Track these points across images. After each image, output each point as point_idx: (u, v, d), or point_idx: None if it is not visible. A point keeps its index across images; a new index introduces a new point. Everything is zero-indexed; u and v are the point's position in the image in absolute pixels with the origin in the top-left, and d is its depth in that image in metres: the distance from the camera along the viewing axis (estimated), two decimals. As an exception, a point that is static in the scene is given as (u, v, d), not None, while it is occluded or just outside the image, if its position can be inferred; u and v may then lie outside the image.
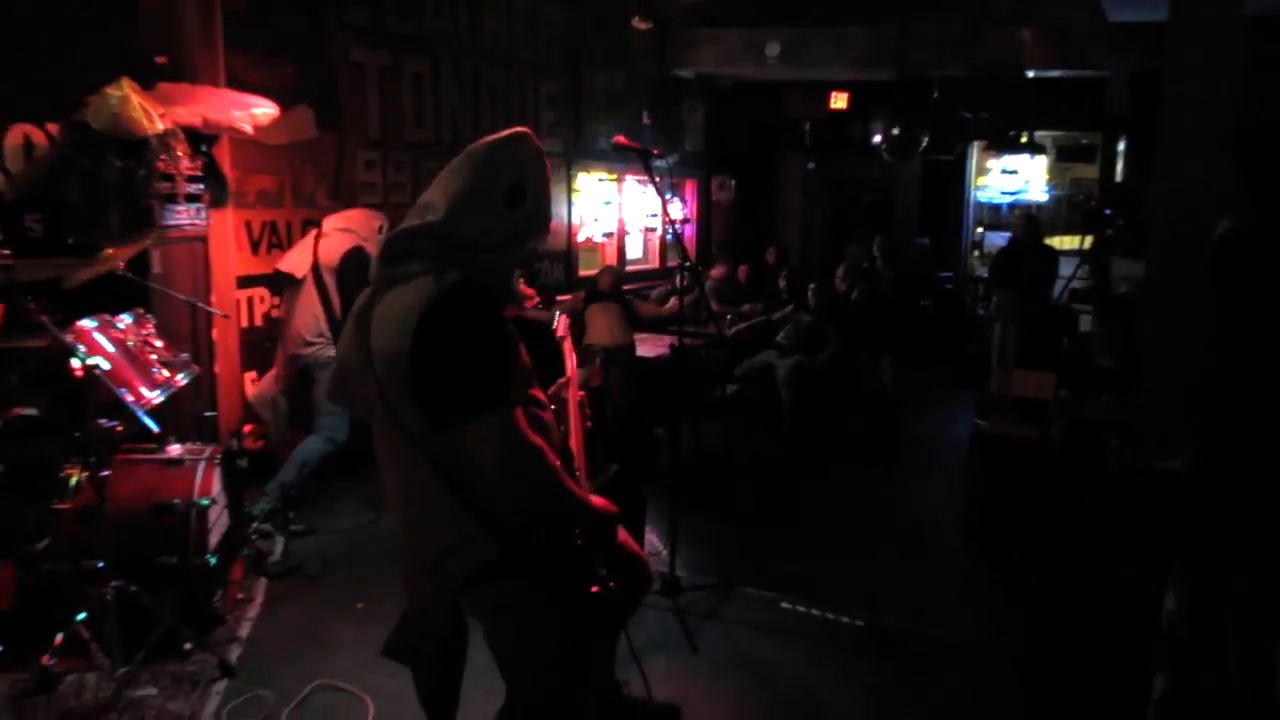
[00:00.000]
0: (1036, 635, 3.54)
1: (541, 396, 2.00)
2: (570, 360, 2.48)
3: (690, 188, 9.64)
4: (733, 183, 9.89)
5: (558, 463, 1.86)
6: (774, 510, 5.09)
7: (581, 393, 2.39)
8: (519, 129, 1.98)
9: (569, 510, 1.88)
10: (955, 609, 3.79)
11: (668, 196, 8.83)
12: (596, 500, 1.97)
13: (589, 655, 2.07)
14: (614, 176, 8.36)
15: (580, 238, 7.57)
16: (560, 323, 2.66)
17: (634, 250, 8.92)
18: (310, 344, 4.52)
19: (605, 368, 5.36)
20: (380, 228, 4.75)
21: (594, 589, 1.94)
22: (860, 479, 5.67)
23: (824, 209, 10.79)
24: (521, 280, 2.11)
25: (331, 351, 4.38)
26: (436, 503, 1.88)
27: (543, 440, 1.83)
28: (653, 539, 4.30)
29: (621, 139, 3.48)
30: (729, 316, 7.02)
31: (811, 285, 6.98)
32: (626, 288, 5.80)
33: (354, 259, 4.51)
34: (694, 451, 5.80)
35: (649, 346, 5.98)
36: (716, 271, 7.88)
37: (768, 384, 6.61)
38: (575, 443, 2.20)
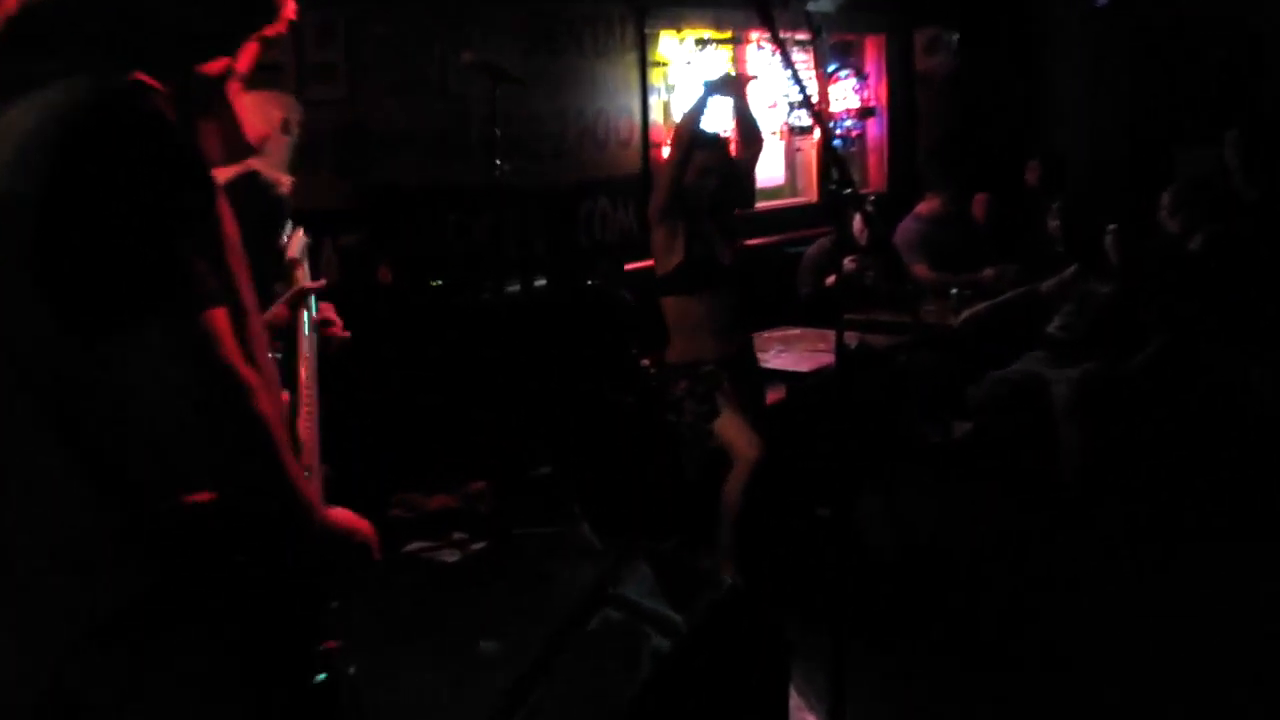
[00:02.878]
0: None
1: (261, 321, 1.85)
2: (302, 272, 2.58)
3: (872, 51, 8.38)
4: (954, 39, 8.69)
5: (278, 422, 1.73)
6: (1037, 642, 4.56)
7: (333, 310, 2.49)
8: None
9: (290, 508, 1.68)
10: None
11: (833, 69, 7.63)
12: (336, 513, 1.82)
13: None
14: (725, 36, 7.00)
15: (666, 150, 6.56)
16: (293, 242, 2.73)
17: (769, 169, 7.72)
18: None
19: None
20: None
21: (328, 645, 1.85)
22: (1212, 574, 5.03)
23: (1128, 83, 9.32)
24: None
25: None
26: (50, 483, 1.65)
27: (259, 383, 1.69)
28: (802, 715, 3.84)
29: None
30: (954, 290, 6.22)
31: (1110, 227, 6.15)
32: (756, 241, 5.00)
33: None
34: (888, 541, 5.27)
35: (797, 355, 5.38)
36: (927, 206, 6.86)
37: (1033, 413, 6.04)
38: (305, 411, 2.12)
